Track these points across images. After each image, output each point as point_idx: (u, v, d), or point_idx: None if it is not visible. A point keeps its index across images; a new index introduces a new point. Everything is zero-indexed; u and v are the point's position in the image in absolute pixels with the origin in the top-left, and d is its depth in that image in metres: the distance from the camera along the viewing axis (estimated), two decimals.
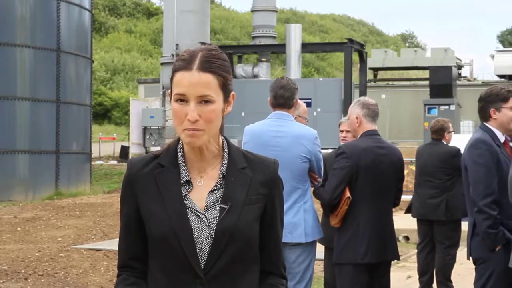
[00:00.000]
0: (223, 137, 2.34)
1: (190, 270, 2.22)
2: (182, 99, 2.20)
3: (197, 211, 2.25)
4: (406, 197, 5.83)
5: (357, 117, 5.34)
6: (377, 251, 5.19)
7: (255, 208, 2.28)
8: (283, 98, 5.19)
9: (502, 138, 4.84)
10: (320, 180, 5.26)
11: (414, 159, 8.18)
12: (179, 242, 2.22)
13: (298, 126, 5.25)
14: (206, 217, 2.24)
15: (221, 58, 2.25)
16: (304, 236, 5.05)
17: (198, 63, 2.21)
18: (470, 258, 4.88)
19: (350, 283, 5.21)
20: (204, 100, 2.19)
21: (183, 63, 2.22)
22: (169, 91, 2.30)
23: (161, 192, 2.27)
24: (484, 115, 4.87)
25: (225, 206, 2.24)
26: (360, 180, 5.18)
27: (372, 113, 5.34)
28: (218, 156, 2.31)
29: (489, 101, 4.85)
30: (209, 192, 2.27)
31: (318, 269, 8.78)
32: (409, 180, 13.79)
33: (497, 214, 4.64)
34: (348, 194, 5.14)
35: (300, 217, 5.04)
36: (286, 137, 5.12)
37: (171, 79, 2.25)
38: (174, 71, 2.24)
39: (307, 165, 5.13)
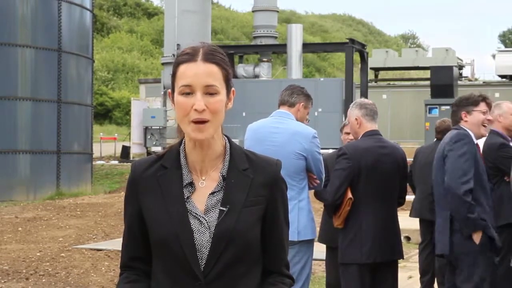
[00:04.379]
0: (225, 137, 2.33)
1: (190, 272, 2.21)
2: (188, 92, 2.19)
3: (197, 214, 2.24)
4: (408, 197, 5.82)
5: (356, 119, 5.33)
6: (381, 250, 5.17)
7: (255, 210, 2.26)
8: (285, 96, 5.34)
9: (475, 140, 5.08)
10: (318, 182, 5.22)
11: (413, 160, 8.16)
12: (180, 246, 2.21)
13: (296, 124, 5.24)
14: (206, 220, 2.23)
15: (223, 53, 2.27)
16: (296, 234, 5.01)
17: (202, 55, 2.22)
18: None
19: (355, 283, 5.19)
20: (210, 92, 2.19)
21: (187, 56, 2.23)
22: (169, 90, 2.29)
23: (163, 194, 2.26)
24: (455, 118, 5.21)
25: (224, 209, 2.23)
26: (362, 180, 5.16)
27: (371, 112, 5.31)
28: (220, 157, 2.30)
29: (461, 106, 5.20)
30: (209, 194, 2.26)
31: (320, 269, 8.76)
32: None
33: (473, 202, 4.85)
34: (350, 195, 5.13)
35: (294, 215, 4.97)
36: (282, 133, 5.14)
37: (174, 74, 2.24)
38: (177, 64, 2.24)
39: (302, 163, 5.11)
